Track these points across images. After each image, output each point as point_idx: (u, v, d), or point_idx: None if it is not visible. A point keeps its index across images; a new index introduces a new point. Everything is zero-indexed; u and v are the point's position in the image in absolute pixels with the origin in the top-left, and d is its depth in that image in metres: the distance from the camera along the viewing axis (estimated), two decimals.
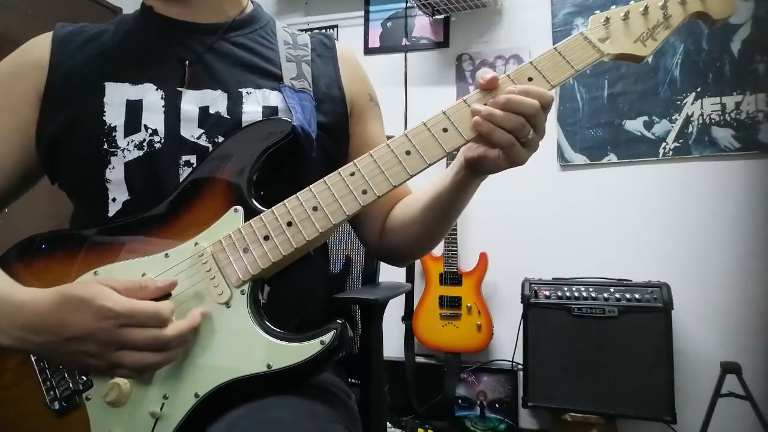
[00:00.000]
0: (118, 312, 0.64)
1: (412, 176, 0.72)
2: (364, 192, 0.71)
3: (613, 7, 0.77)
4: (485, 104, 0.71)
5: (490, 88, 0.72)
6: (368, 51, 2.96)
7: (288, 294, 0.80)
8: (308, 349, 0.66)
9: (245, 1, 0.94)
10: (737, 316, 2.29)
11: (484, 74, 0.72)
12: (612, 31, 0.75)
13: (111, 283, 0.67)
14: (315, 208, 0.71)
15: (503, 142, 0.70)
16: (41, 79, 0.83)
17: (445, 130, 0.72)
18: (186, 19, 0.87)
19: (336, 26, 3.05)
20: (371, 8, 2.98)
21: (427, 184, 0.87)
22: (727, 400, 1.97)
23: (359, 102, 0.95)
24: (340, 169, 0.73)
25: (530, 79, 0.73)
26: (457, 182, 0.79)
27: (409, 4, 2.79)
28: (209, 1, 0.88)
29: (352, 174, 0.72)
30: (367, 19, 2.99)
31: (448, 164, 0.87)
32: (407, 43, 2.87)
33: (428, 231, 0.89)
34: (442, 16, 2.81)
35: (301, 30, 0.99)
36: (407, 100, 2.76)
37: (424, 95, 2.78)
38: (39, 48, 0.85)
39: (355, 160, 0.73)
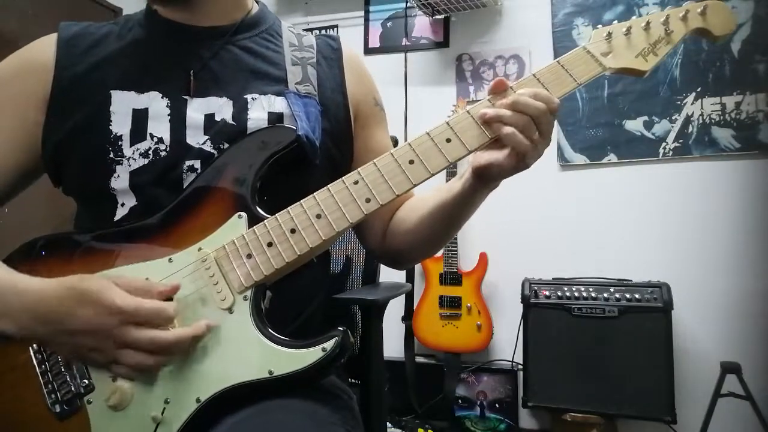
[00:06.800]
0: (121, 308, 0.65)
1: (415, 185, 0.73)
2: (368, 200, 0.72)
3: (615, 22, 0.78)
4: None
5: (497, 90, 0.74)
6: (368, 51, 2.96)
7: (289, 296, 0.80)
8: (310, 356, 0.67)
9: (250, 3, 0.93)
10: (737, 316, 2.30)
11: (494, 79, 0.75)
12: (614, 46, 0.76)
13: (117, 281, 0.68)
14: (318, 216, 0.71)
15: (517, 141, 0.71)
16: (47, 82, 0.82)
17: (448, 140, 0.73)
18: (191, 24, 0.86)
19: (336, 26, 3.04)
20: (371, 8, 2.98)
21: (430, 192, 0.87)
22: (727, 400, 1.97)
23: (365, 107, 0.94)
24: (343, 177, 0.73)
25: None
26: (465, 192, 0.79)
27: (409, 4, 2.79)
28: (214, 5, 0.87)
29: (356, 182, 0.72)
30: (367, 19, 2.98)
31: (447, 179, 0.88)
32: (407, 43, 2.86)
33: (431, 238, 0.90)
34: (442, 16, 2.81)
35: (304, 30, 0.99)
36: (407, 100, 2.76)
37: (424, 95, 2.79)
38: (44, 50, 0.84)
39: (358, 169, 0.73)
